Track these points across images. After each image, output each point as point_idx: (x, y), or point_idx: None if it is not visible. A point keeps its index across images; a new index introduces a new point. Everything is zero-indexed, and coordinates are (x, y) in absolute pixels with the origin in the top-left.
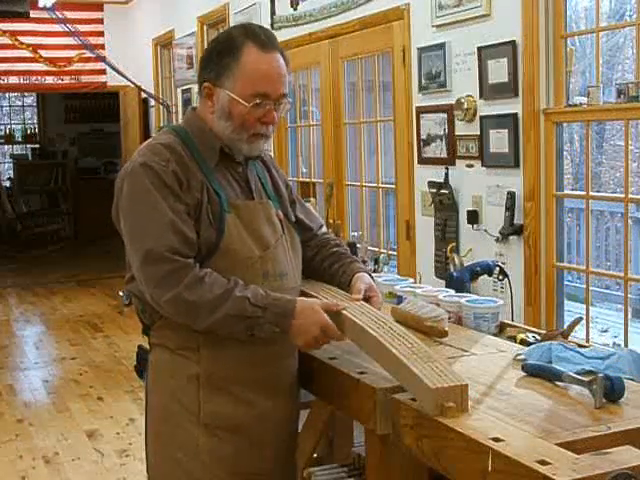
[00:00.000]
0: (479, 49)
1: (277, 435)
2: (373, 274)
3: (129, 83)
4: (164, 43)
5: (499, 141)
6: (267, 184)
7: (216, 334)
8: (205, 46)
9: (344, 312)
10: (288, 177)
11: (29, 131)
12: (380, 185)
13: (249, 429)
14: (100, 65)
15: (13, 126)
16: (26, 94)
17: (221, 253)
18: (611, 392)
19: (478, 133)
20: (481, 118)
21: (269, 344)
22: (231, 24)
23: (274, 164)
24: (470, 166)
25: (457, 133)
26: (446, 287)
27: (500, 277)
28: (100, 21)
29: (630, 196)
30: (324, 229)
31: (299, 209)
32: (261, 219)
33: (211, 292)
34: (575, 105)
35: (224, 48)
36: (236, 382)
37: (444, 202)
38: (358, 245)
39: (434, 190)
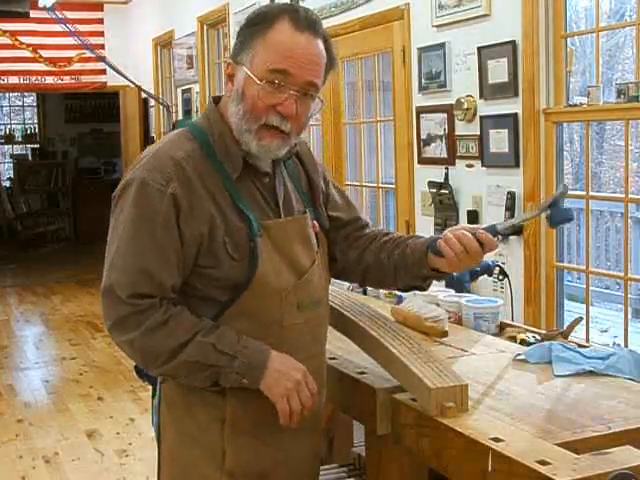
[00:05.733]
0: (479, 49)
1: (300, 476)
2: None
3: (129, 83)
4: (164, 43)
5: (499, 141)
6: (301, 186)
7: None
8: (205, 46)
9: (344, 312)
10: None
11: (29, 131)
12: (380, 185)
13: (273, 473)
14: (100, 65)
15: (13, 126)
16: (26, 94)
17: (253, 287)
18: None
19: (478, 133)
20: (481, 118)
21: None
22: (231, 24)
23: (311, 156)
24: (470, 166)
25: (457, 133)
26: (446, 287)
27: (500, 277)
28: (100, 21)
29: (630, 196)
30: (367, 225)
31: (336, 204)
32: (295, 239)
33: (172, 337)
34: (575, 105)
35: (255, 20)
36: (264, 427)
37: (444, 202)
38: None
39: (434, 190)
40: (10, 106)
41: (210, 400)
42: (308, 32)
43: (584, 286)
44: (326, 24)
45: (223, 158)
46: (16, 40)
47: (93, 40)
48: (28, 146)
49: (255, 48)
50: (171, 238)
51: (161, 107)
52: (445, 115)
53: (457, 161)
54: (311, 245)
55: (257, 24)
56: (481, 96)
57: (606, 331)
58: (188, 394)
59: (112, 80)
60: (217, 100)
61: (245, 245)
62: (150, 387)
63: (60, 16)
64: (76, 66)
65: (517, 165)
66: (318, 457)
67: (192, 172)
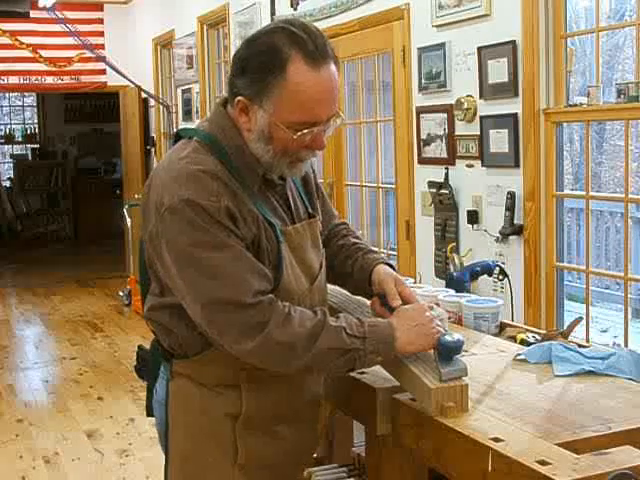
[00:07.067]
0: (479, 49)
1: (302, 463)
2: None
3: (129, 83)
4: (164, 43)
5: (499, 141)
6: (301, 189)
7: (257, 371)
8: (205, 46)
9: (344, 312)
10: None
11: (29, 131)
12: (380, 185)
13: (281, 464)
14: (100, 65)
15: (13, 126)
16: (26, 94)
17: (277, 293)
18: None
19: (478, 133)
20: (481, 118)
21: (309, 379)
22: (231, 24)
23: None
24: (470, 166)
25: (457, 133)
26: (446, 287)
27: (500, 277)
28: (100, 21)
29: (630, 196)
30: (336, 220)
31: (320, 203)
32: (308, 243)
33: (303, 326)
34: (575, 105)
35: (266, 60)
36: (275, 420)
37: (444, 202)
38: None
39: (434, 190)
40: (10, 106)
41: (225, 396)
42: (322, 62)
43: (584, 286)
44: (326, 24)
45: (243, 172)
46: (16, 40)
47: (93, 40)
48: (28, 146)
49: (276, 97)
50: (240, 241)
51: (161, 107)
52: (445, 115)
53: (457, 161)
54: (320, 248)
55: (268, 67)
56: (481, 96)
57: (606, 331)
58: (201, 390)
59: (112, 80)
60: (223, 102)
61: (275, 252)
62: None
63: (60, 16)
64: (76, 66)
65: (517, 165)
66: (316, 446)
67: (229, 182)
